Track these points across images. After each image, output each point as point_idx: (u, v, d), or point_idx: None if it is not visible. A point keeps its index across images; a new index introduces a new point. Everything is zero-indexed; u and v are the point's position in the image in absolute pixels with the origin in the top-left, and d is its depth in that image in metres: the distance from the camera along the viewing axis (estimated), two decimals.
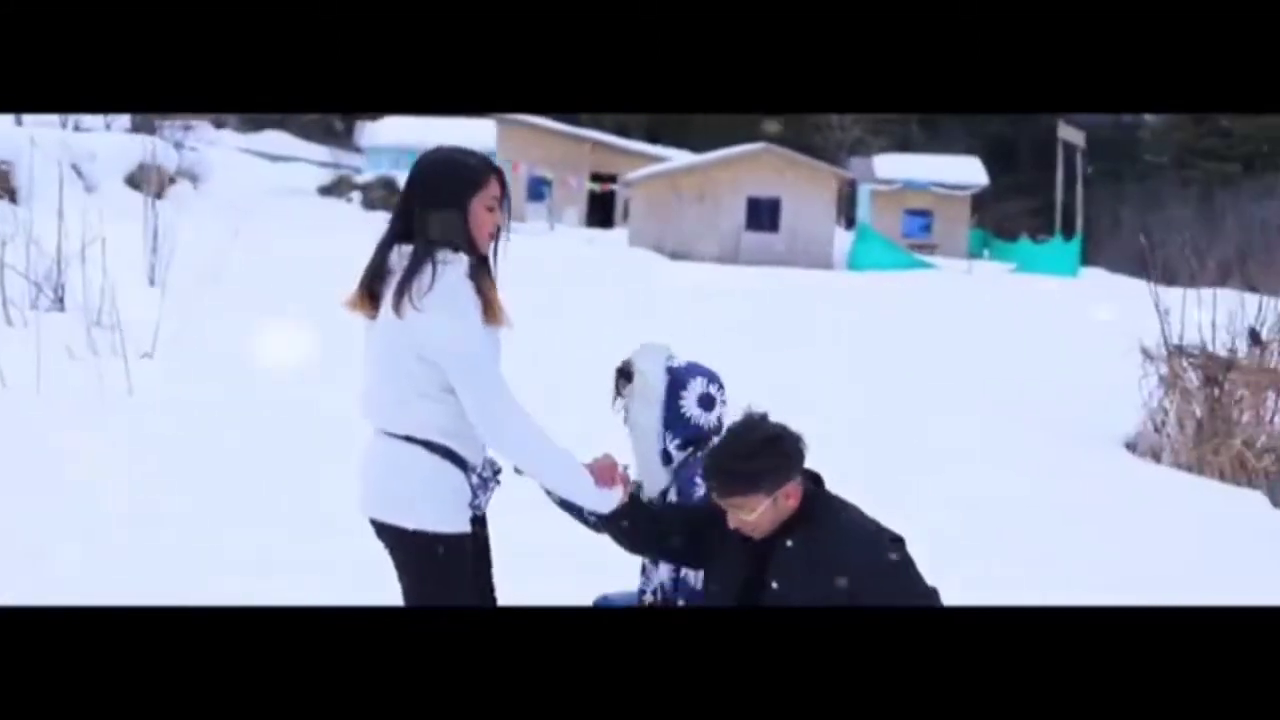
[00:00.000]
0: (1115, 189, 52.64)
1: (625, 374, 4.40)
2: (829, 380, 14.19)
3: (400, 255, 3.76)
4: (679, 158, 49.58)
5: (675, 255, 38.80)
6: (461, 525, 3.80)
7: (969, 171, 49.71)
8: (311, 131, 57.49)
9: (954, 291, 30.34)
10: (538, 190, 47.41)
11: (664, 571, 4.37)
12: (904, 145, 57.12)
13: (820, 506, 3.93)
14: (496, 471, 3.94)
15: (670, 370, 4.37)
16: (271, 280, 15.40)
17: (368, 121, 48.84)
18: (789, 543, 3.85)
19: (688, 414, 4.34)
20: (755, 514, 3.82)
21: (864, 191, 47.57)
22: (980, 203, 50.81)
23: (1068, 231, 45.19)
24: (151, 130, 29.37)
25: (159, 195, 19.89)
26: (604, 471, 3.92)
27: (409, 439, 3.77)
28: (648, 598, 4.41)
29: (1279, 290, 12.36)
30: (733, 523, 3.88)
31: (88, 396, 8.70)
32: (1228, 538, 8.72)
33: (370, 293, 3.81)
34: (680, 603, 4.30)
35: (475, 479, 3.84)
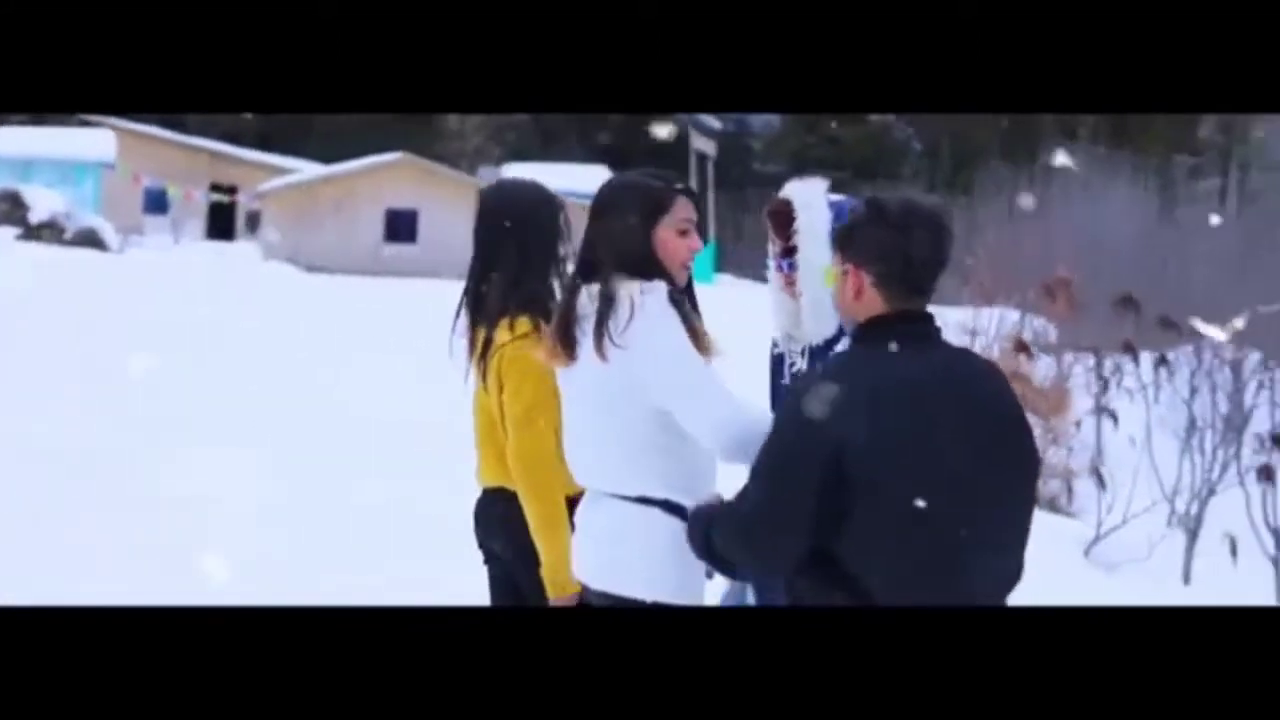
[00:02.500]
0: (736, 196, 54.27)
1: (779, 215, 4.07)
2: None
3: (590, 296, 3.43)
4: (297, 167, 48.64)
5: (312, 268, 37.94)
6: (699, 595, 3.47)
7: (598, 180, 49.96)
8: None
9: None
10: (158, 202, 45.49)
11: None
12: (522, 154, 57.36)
13: (855, 347, 3.20)
14: None
15: (832, 205, 4.05)
16: None
17: None
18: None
19: None
20: (833, 278, 3.23)
21: None
22: None
23: (702, 238, 46.23)
24: None
25: None
26: None
27: (643, 500, 3.41)
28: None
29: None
30: None
31: None
32: None
33: (565, 339, 3.46)
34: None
35: None
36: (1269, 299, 13.67)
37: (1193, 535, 12.13)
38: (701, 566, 3.42)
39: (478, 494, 4.18)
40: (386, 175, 42.63)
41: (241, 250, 41.48)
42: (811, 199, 4.05)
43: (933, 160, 54.06)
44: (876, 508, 2.94)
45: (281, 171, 47.68)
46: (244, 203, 47.04)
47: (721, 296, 32.96)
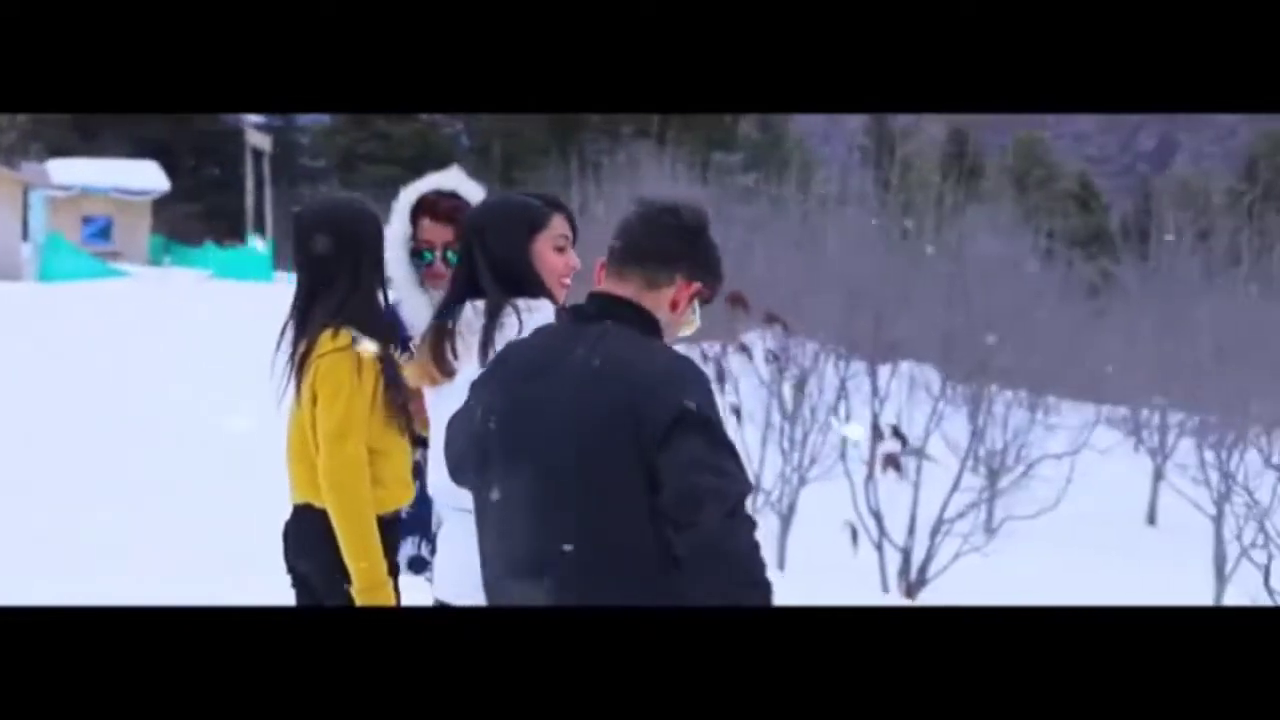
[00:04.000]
0: (288, 192, 54.02)
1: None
2: (38, 395, 14.96)
3: (475, 311, 3.47)
4: None
5: None
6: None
7: (148, 176, 49.16)
8: None
9: (164, 299, 30.74)
10: None
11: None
12: (62, 150, 55.40)
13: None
14: None
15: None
16: None
17: None
18: None
19: None
20: None
21: (38, 198, 45.93)
22: (159, 208, 50.48)
23: (260, 235, 46.08)
24: None
25: None
26: None
27: None
28: None
29: None
30: None
31: None
32: None
33: (440, 358, 3.50)
34: None
35: None
36: (824, 288, 14.85)
37: (785, 521, 13.23)
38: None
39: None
40: None
41: None
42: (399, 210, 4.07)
43: (483, 157, 55.08)
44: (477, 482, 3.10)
45: None
46: None
47: (283, 296, 32.85)
